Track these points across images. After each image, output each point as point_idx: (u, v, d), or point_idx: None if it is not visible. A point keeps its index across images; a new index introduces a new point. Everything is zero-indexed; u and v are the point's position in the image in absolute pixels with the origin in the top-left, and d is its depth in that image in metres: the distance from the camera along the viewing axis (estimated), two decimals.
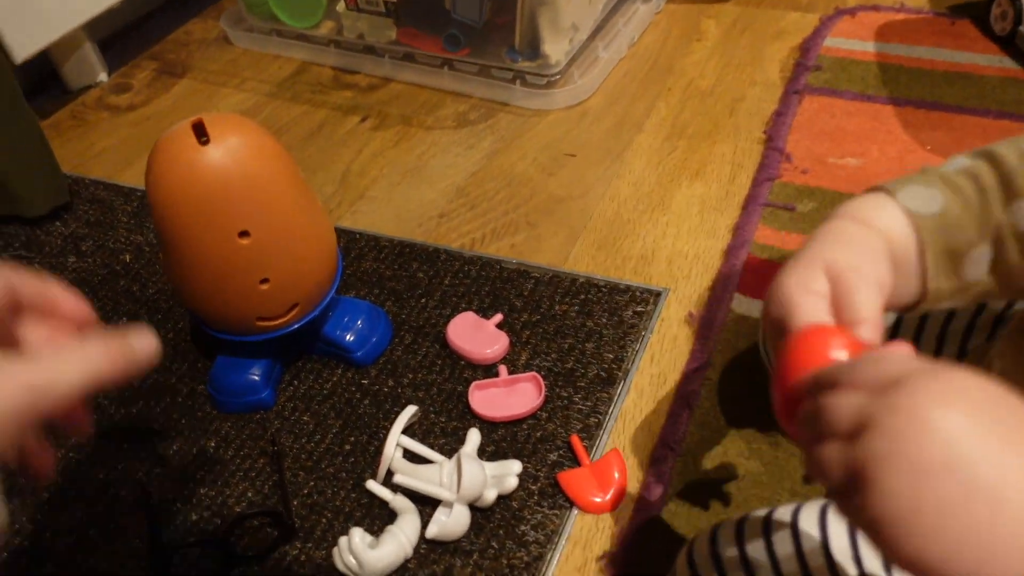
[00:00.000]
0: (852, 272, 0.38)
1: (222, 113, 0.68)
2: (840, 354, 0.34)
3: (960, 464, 0.24)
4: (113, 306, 0.96)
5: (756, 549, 0.50)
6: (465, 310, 0.89)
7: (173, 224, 0.67)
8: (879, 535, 0.25)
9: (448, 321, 0.87)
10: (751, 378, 0.79)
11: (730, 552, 0.51)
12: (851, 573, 0.46)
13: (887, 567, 0.46)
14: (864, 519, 0.26)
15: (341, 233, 1.01)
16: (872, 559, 0.47)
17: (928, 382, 0.26)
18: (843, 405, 0.28)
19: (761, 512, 0.52)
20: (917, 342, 0.56)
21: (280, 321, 0.76)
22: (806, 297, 0.38)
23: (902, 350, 0.30)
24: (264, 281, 0.71)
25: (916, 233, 0.41)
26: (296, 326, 0.77)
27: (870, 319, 0.37)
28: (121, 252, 1.02)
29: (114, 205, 1.09)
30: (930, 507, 0.24)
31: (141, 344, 0.39)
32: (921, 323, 0.56)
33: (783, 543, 0.49)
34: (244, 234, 0.68)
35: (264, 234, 0.69)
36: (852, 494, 0.26)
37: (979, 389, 0.26)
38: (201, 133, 0.66)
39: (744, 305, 0.88)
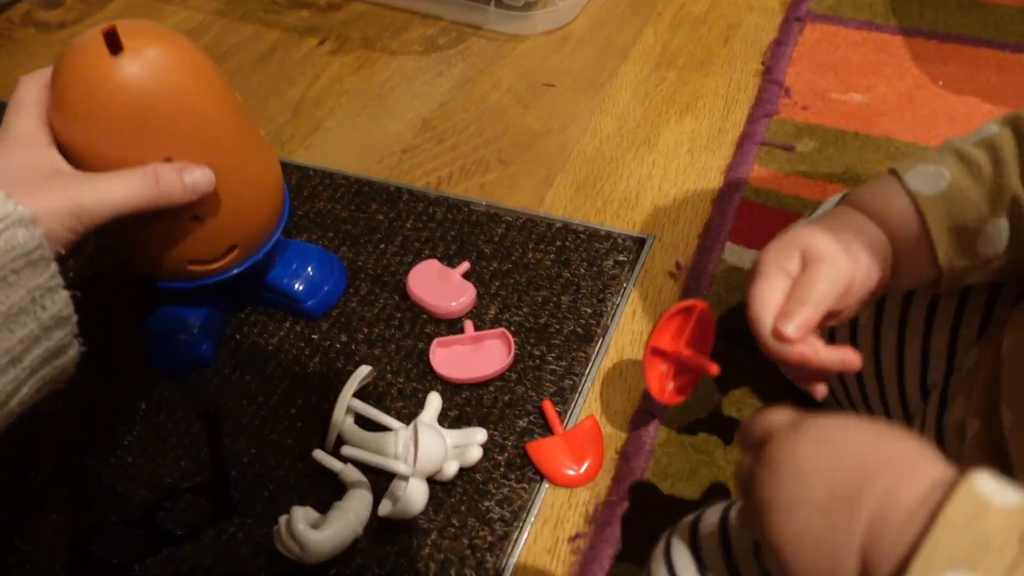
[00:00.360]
0: (825, 265, 0.43)
1: (141, 20, 0.57)
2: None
3: (800, 491, 0.31)
4: None
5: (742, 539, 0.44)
6: (428, 257, 0.80)
7: (83, 151, 0.57)
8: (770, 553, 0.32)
9: (409, 269, 0.79)
10: (743, 336, 0.72)
11: (712, 546, 0.45)
12: None
13: None
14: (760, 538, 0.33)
15: (292, 169, 0.91)
16: None
17: (780, 438, 0.33)
18: (743, 464, 0.35)
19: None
20: (932, 317, 0.50)
21: (216, 266, 0.66)
22: (775, 271, 0.44)
23: (774, 414, 0.35)
24: (195, 218, 0.61)
25: (919, 215, 0.43)
26: (235, 271, 0.67)
27: (807, 314, 0.43)
28: None
29: None
30: (792, 532, 0.31)
31: (193, 177, 0.56)
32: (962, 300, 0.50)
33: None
34: (168, 161, 0.57)
35: (192, 161, 0.58)
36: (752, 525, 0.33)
37: (816, 433, 0.32)
38: (114, 43, 0.54)
39: (736, 255, 0.79)
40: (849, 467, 0.31)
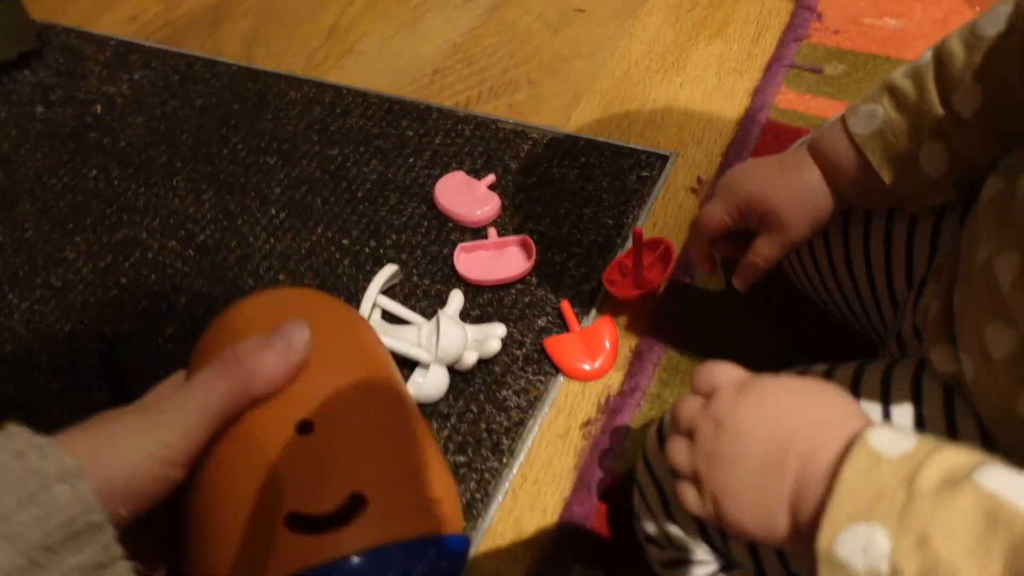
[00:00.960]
0: (782, 235, 0.52)
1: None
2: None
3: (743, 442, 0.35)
4: (83, 159, 0.90)
5: None
6: (456, 171, 0.82)
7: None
8: (713, 508, 0.36)
9: (436, 182, 0.81)
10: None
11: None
12: None
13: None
14: (703, 501, 0.36)
15: (326, 88, 0.94)
16: None
17: (726, 398, 0.36)
18: (683, 411, 0.38)
19: None
20: (915, 217, 0.53)
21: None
22: (730, 207, 0.54)
23: (725, 370, 0.39)
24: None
25: (859, 156, 0.49)
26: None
27: (758, 275, 0.55)
28: (92, 103, 0.96)
29: (86, 54, 1.01)
30: (727, 485, 0.35)
31: (295, 339, 0.33)
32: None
33: None
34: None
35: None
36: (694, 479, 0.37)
37: (759, 386, 0.36)
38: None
39: None
40: (781, 432, 0.34)
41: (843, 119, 0.49)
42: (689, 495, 0.38)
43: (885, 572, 0.28)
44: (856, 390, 0.45)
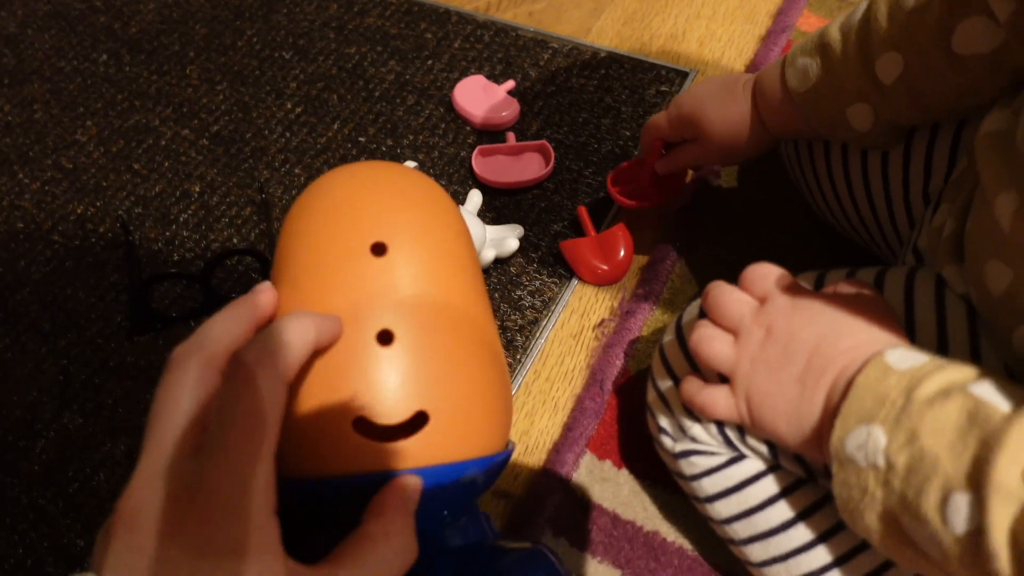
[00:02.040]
0: (700, 150, 0.60)
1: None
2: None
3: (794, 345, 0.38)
4: (92, 43, 0.88)
5: None
6: (475, 75, 0.82)
7: None
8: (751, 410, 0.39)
9: (455, 85, 0.80)
10: (770, 164, 0.74)
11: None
12: None
13: None
14: (735, 399, 0.40)
15: None
16: None
17: (780, 309, 0.39)
18: (731, 309, 0.41)
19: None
20: (935, 128, 0.53)
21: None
22: (675, 120, 0.60)
23: (781, 278, 0.41)
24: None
25: (793, 106, 0.53)
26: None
27: (671, 168, 0.64)
28: None
29: None
30: (766, 390, 0.38)
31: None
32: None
33: None
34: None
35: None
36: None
37: (810, 303, 0.39)
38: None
39: None
40: (825, 349, 0.37)
41: (783, 67, 0.53)
42: (720, 399, 0.39)
43: (882, 465, 0.31)
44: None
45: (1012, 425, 0.28)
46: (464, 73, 0.83)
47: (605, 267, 0.67)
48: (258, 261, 0.68)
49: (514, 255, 0.69)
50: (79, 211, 0.74)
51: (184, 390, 0.29)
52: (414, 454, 0.32)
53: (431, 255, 0.35)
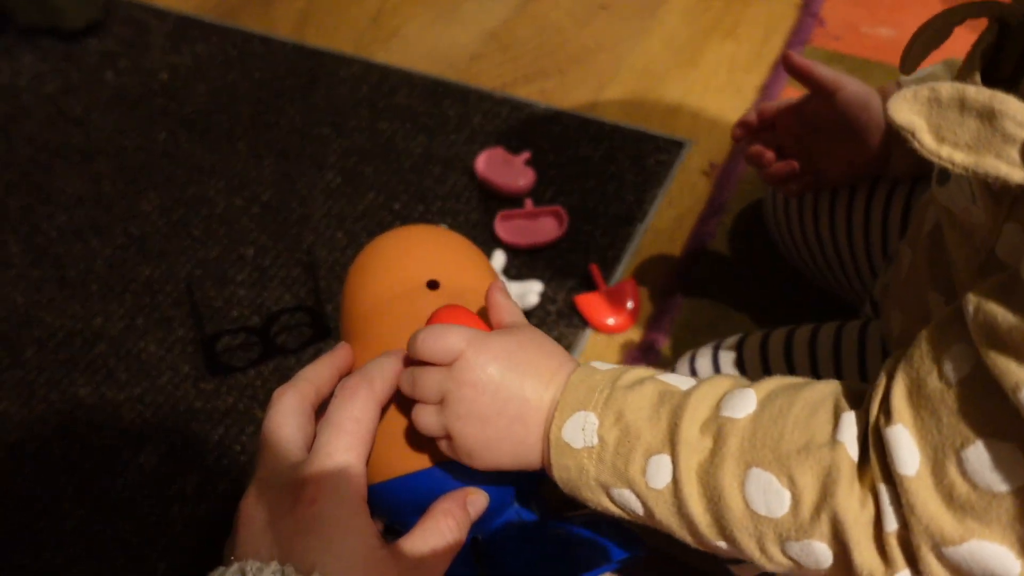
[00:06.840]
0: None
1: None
2: None
3: (494, 398, 0.38)
4: (150, 124, 0.99)
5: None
6: (495, 147, 0.92)
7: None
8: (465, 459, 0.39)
9: (476, 157, 0.90)
10: (761, 225, 0.84)
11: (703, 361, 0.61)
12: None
13: None
14: (455, 452, 0.39)
15: (375, 68, 1.03)
16: None
17: (474, 355, 0.38)
18: (428, 383, 0.39)
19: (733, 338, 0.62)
20: (891, 193, 0.62)
21: None
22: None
23: (460, 332, 0.39)
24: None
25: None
26: None
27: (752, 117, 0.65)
28: (158, 71, 1.04)
29: (149, 26, 1.10)
30: (485, 438, 0.38)
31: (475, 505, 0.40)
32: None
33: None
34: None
35: None
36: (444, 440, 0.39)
37: (499, 347, 0.39)
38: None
39: None
40: (522, 382, 0.38)
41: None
42: (431, 419, 0.40)
43: (595, 444, 0.37)
44: (837, 347, 0.55)
45: (689, 397, 0.36)
46: (483, 145, 0.93)
47: (614, 319, 0.76)
48: (308, 315, 0.77)
49: (535, 308, 0.78)
50: (147, 273, 0.84)
51: (286, 417, 0.38)
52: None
53: (472, 287, 0.45)
